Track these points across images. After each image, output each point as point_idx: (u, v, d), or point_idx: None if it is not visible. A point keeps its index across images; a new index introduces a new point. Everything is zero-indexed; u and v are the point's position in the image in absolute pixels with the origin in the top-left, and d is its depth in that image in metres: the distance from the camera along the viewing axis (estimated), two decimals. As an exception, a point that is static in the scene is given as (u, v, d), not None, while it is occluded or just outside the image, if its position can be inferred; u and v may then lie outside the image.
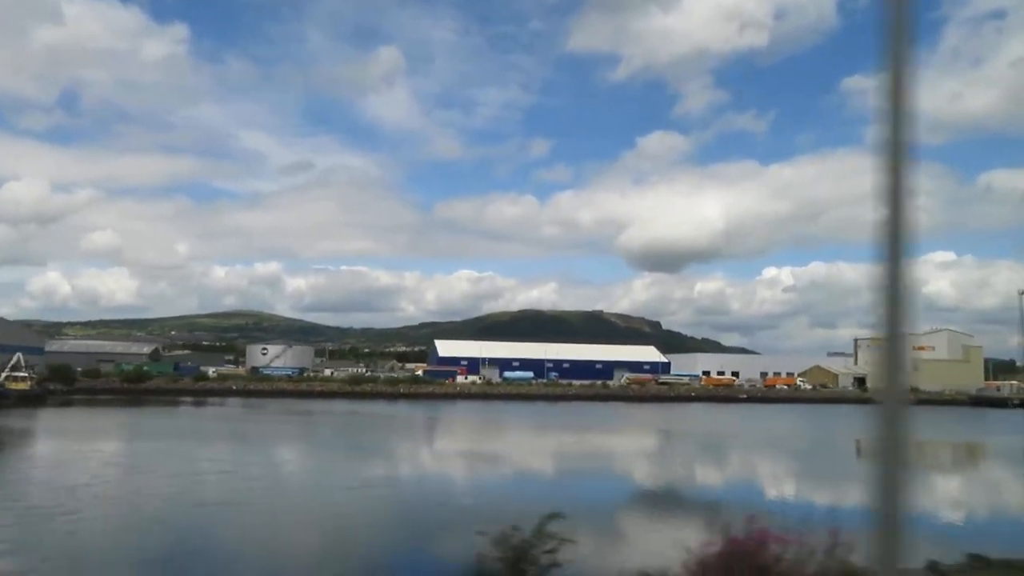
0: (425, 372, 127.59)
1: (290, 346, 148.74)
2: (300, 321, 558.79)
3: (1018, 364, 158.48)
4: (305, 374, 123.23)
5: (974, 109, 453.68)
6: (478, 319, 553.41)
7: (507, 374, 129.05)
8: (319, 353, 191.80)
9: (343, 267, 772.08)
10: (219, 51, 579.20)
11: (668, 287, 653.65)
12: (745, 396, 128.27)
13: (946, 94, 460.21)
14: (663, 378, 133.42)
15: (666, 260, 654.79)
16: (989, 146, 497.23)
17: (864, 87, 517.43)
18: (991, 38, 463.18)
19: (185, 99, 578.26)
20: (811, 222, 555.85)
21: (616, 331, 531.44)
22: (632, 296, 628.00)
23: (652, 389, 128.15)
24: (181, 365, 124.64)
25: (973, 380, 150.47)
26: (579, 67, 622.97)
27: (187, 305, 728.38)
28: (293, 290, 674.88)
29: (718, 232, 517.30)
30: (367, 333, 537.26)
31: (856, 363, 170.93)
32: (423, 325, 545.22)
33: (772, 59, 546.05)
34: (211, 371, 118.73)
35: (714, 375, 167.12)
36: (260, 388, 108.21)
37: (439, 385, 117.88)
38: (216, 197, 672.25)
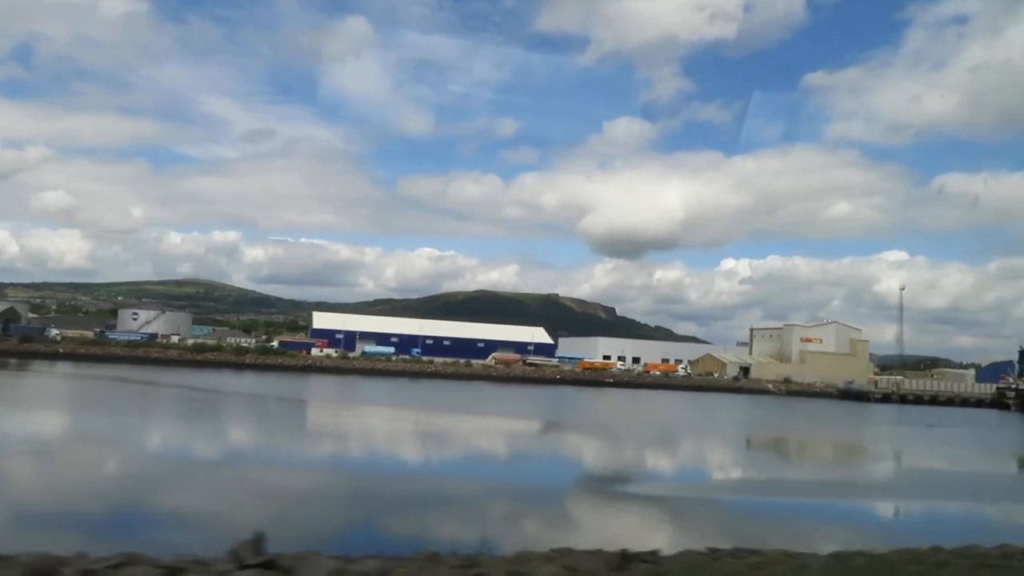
0: (281, 343, 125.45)
1: (163, 312, 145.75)
2: (253, 292, 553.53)
3: (899, 354, 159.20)
4: (160, 340, 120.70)
5: (933, 112, 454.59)
6: (433, 297, 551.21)
7: (366, 349, 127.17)
8: (199, 321, 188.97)
9: (303, 239, 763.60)
10: (182, 10, 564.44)
11: (628, 274, 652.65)
12: (612, 380, 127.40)
13: (906, 95, 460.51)
14: (531, 359, 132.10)
15: (627, 247, 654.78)
16: (945, 149, 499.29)
17: (827, 84, 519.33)
18: (953, 43, 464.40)
19: (146, 59, 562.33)
20: (771, 215, 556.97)
21: (571, 315, 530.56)
22: (593, 281, 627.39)
23: (517, 370, 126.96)
24: (20, 326, 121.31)
25: (859, 373, 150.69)
26: (549, 48, 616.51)
27: (140, 271, 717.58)
28: (251, 260, 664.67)
29: (679, 221, 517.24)
30: (321, 307, 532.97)
31: (751, 353, 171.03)
32: (377, 302, 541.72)
33: (739, 51, 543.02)
34: (53, 333, 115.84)
35: (614, 360, 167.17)
36: (91, 352, 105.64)
37: (290, 356, 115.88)
38: (176, 162, 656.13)
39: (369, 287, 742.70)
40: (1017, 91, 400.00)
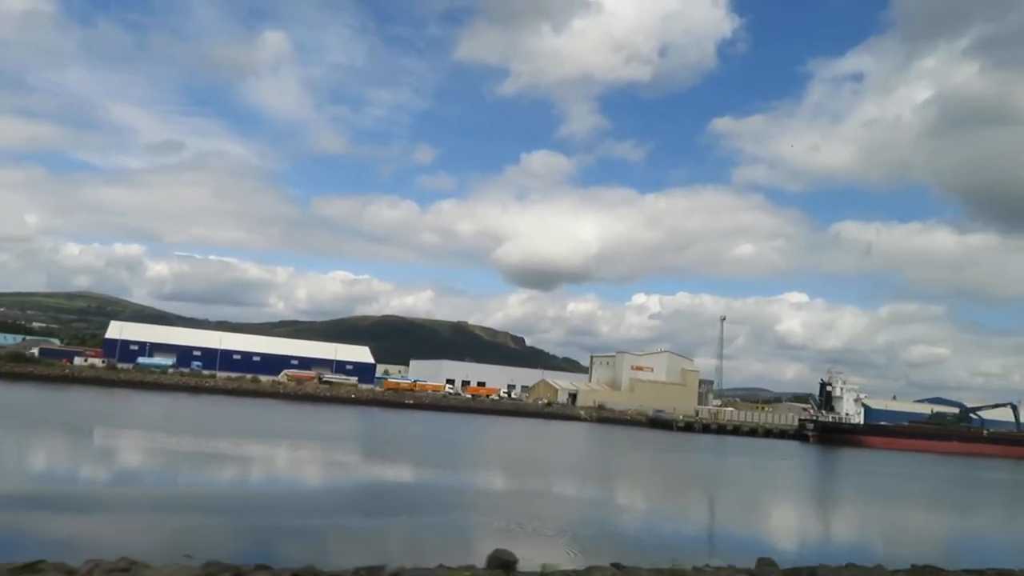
0: (41, 351, 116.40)
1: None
2: (151, 309, 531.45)
3: (715, 387, 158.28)
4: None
5: (830, 162, 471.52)
6: (340, 321, 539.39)
7: (140, 360, 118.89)
8: None
9: (211, 256, 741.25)
10: (90, 13, 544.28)
11: (541, 304, 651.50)
12: (411, 402, 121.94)
13: (807, 145, 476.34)
14: (327, 377, 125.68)
15: (541, 278, 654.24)
16: (841, 198, 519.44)
17: (734, 130, 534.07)
18: (849, 98, 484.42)
19: (48, 61, 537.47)
20: (680, 253, 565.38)
21: (480, 344, 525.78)
22: (506, 311, 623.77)
23: (310, 388, 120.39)
24: None
25: (687, 402, 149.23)
26: (470, 77, 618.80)
27: (32, 282, 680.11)
28: (154, 276, 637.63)
29: (593, 255, 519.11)
30: (222, 327, 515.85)
31: (590, 380, 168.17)
32: (282, 323, 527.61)
33: (654, 93, 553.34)
34: None
35: (458, 384, 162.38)
36: None
37: (44, 366, 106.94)
38: (76, 169, 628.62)
39: (279, 308, 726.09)
40: (906, 147, 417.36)
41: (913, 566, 16.91)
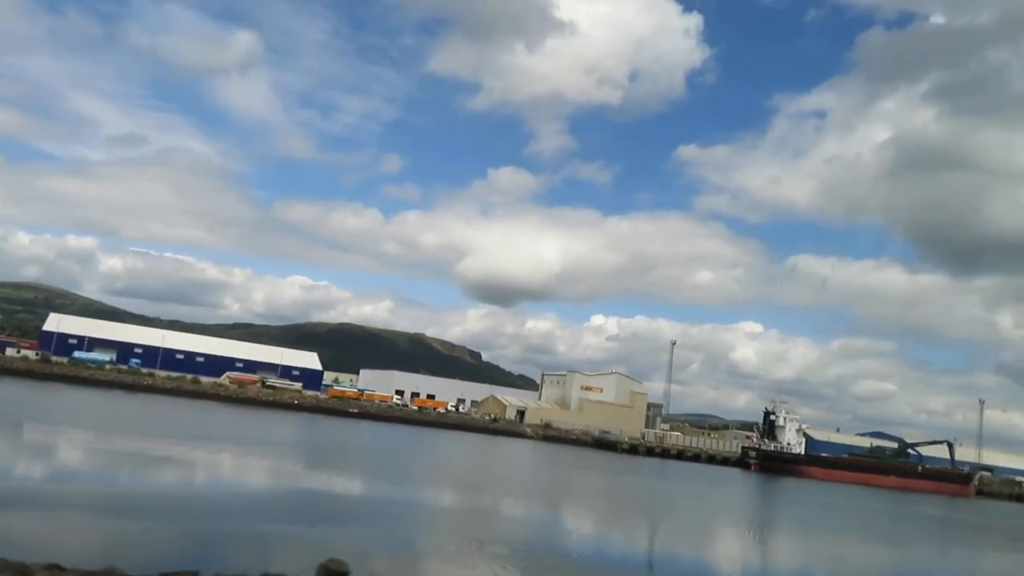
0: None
1: None
2: (101, 304, 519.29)
3: (664, 411, 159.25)
4: None
5: (790, 195, 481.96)
6: (296, 326, 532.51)
7: (76, 354, 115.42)
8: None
9: (167, 253, 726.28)
10: (61, 1, 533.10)
11: (500, 320, 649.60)
12: (356, 411, 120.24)
13: (768, 177, 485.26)
14: (270, 381, 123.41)
15: (501, 294, 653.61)
16: (799, 231, 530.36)
17: (699, 159, 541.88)
18: (811, 134, 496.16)
19: (11, 47, 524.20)
20: (641, 277, 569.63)
21: (436, 356, 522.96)
22: (465, 325, 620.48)
23: (252, 392, 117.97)
24: None
25: (635, 424, 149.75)
26: (441, 90, 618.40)
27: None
28: (107, 270, 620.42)
29: (554, 274, 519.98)
30: (174, 326, 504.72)
31: (540, 398, 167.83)
32: (236, 325, 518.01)
33: (622, 117, 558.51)
34: None
35: (408, 394, 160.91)
36: None
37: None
38: (33, 158, 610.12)
39: (234, 310, 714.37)
40: (864, 185, 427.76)
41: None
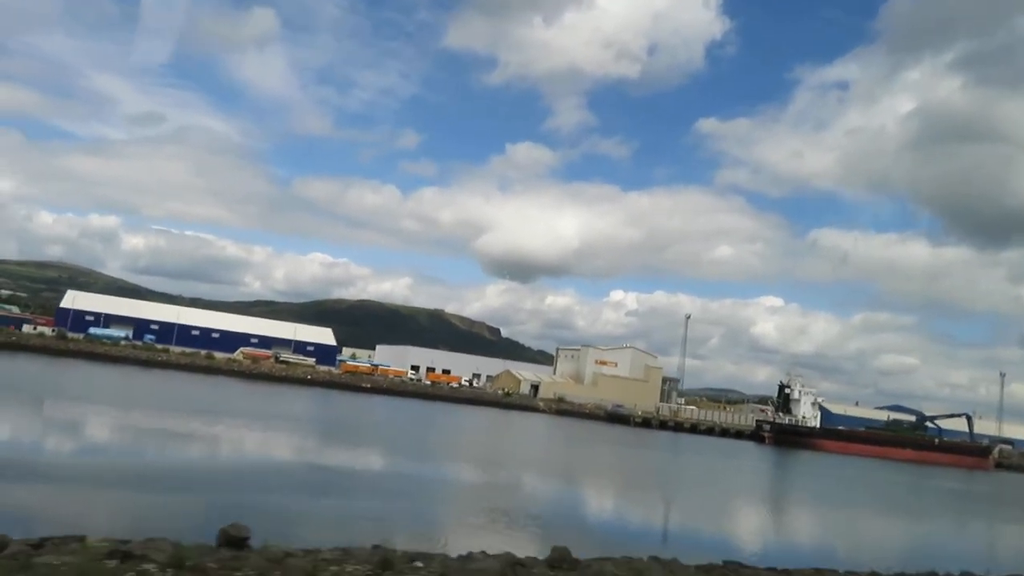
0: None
1: None
2: (123, 282, 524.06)
3: (680, 385, 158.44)
4: None
5: (811, 169, 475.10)
6: (317, 303, 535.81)
7: (92, 331, 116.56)
8: None
9: (188, 232, 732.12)
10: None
11: (519, 296, 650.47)
12: (368, 386, 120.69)
13: (790, 151, 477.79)
14: (283, 357, 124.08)
15: (520, 269, 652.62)
16: (820, 205, 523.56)
17: (719, 132, 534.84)
18: (833, 106, 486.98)
19: (30, 25, 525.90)
20: (660, 252, 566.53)
21: (455, 332, 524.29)
22: (485, 301, 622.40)
23: (265, 367, 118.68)
24: None
25: (649, 398, 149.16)
26: (458, 65, 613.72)
27: (2, 249, 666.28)
28: (129, 249, 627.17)
29: (573, 250, 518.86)
30: (196, 304, 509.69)
31: (555, 372, 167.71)
32: (257, 303, 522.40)
33: (641, 91, 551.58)
34: None
35: (423, 370, 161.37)
36: None
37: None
38: (54, 137, 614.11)
39: (255, 287, 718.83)
40: (887, 158, 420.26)
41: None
